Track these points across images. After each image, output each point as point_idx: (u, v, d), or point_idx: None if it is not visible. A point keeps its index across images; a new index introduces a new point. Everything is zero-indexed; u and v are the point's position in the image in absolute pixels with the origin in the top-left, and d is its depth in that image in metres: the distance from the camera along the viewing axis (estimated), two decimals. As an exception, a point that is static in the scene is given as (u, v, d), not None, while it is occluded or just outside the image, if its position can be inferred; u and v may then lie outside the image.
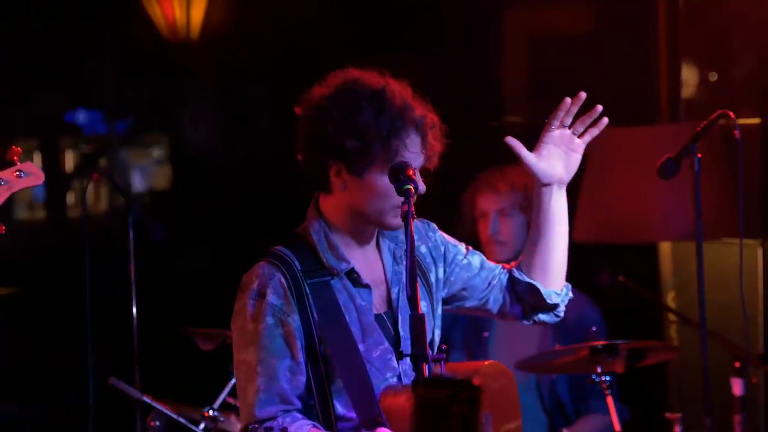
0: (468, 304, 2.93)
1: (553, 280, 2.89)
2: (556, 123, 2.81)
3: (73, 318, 4.36)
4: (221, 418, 4.00)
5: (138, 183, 6.65)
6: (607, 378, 4.00)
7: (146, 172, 6.70)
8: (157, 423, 4.02)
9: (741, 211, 3.86)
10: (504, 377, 2.87)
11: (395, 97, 2.69)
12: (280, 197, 6.12)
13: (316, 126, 2.74)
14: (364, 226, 2.76)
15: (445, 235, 2.94)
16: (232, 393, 4.10)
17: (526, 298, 2.91)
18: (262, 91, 6.35)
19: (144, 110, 6.51)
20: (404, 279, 2.69)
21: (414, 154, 2.67)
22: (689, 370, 5.18)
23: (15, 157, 2.61)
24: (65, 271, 5.49)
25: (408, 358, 2.46)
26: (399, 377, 2.71)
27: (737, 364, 4.31)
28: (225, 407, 4.09)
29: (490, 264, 2.95)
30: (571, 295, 2.96)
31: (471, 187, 4.51)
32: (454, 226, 4.45)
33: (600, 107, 2.77)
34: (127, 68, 6.30)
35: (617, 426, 4.03)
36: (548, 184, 2.84)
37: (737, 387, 4.30)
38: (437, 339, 2.84)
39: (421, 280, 2.81)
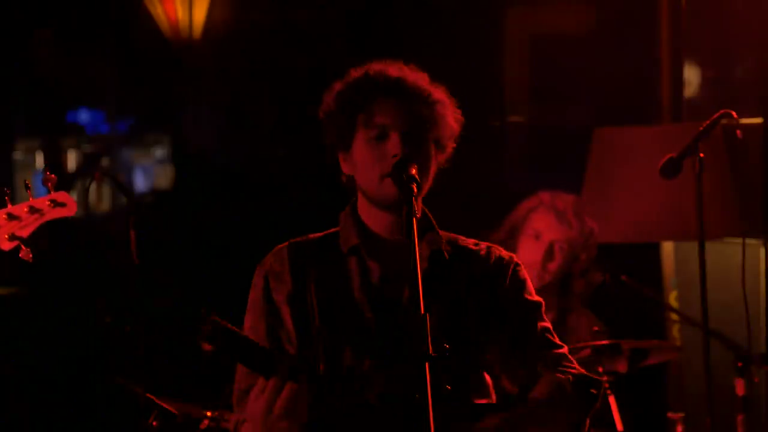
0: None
1: None
2: None
3: (75, 317, 4.37)
4: (224, 417, 3.99)
5: (140, 183, 6.66)
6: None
7: (148, 172, 6.71)
8: (159, 422, 4.02)
9: (743, 211, 3.86)
10: None
11: (363, 68, 2.72)
12: (281, 197, 6.14)
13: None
14: (377, 210, 2.73)
15: (526, 286, 2.80)
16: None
17: None
18: (263, 91, 6.35)
19: (146, 110, 6.52)
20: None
21: (387, 116, 2.66)
22: (691, 369, 5.17)
23: (49, 184, 2.60)
24: (66, 271, 5.49)
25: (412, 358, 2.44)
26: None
27: (740, 364, 4.31)
28: (228, 406, 4.08)
29: (539, 345, 2.77)
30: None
31: (533, 200, 4.28)
32: (456, 226, 4.43)
33: None
34: (129, 68, 6.31)
35: (619, 426, 4.03)
36: None
37: (740, 387, 4.29)
38: None
39: (461, 291, 2.75)
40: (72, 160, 6.66)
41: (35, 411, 5.69)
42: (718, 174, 4.44)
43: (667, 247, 5.52)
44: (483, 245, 2.84)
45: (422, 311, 2.42)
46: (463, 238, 2.86)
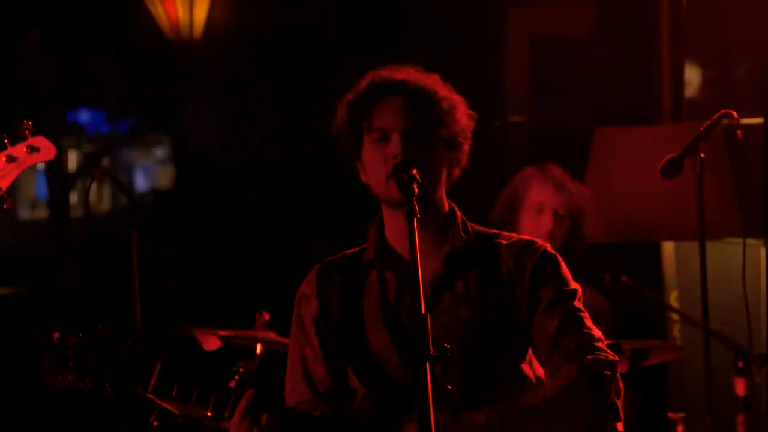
0: None
1: None
2: None
3: (75, 318, 4.36)
4: (225, 417, 3.99)
5: (140, 183, 6.66)
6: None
7: (149, 172, 6.71)
8: (160, 423, 4.01)
9: (744, 211, 3.85)
10: None
11: (370, 75, 2.72)
12: (282, 197, 6.13)
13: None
14: (395, 216, 2.72)
15: (557, 275, 2.73)
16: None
17: None
18: (264, 90, 6.35)
19: (146, 110, 6.52)
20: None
21: (387, 118, 2.66)
22: (692, 369, 5.17)
23: (26, 132, 2.56)
24: (67, 271, 5.48)
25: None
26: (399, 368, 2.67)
27: (740, 364, 4.31)
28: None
29: (566, 336, 2.68)
30: None
31: (524, 175, 4.32)
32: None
33: None
34: (129, 68, 6.31)
35: (620, 425, 4.02)
36: None
37: (740, 387, 4.29)
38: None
39: (485, 288, 2.71)
40: (72, 160, 6.66)
41: (35, 411, 5.69)
42: (719, 174, 4.44)
43: (668, 247, 5.52)
44: (514, 237, 2.79)
45: (423, 311, 2.41)
46: (505, 233, 2.80)
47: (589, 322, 2.72)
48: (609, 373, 2.65)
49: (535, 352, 2.74)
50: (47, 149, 2.58)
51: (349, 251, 2.83)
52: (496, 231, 2.83)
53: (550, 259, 2.74)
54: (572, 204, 4.28)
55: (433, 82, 2.73)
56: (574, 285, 2.75)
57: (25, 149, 2.55)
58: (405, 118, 2.66)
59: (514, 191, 4.33)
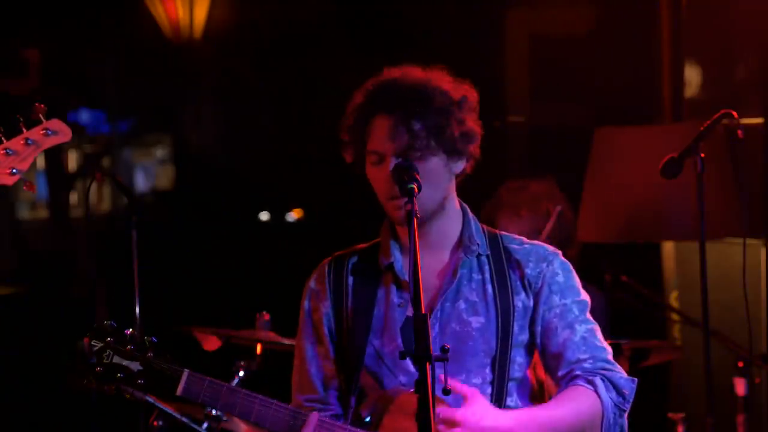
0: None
1: None
2: None
3: (75, 318, 4.36)
4: (224, 418, 4.00)
5: (141, 182, 6.66)
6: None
7: (149, 172, 6.71)
8: (161, 423, 4.02)
9: (744, 211, 3.85)
10: None
11: (369, 83, 2.70)
12: (283, 197, 6.14)
13: None
14: (402, 230, 2.73)
15: (568, 285, 2.74)
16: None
17: None
18: (264, 90, 6.36)
19: (147, 110, 6.52)
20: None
21: (381, 141, 2.64)
22: (692, 369, 5.17)
23: (40, 115, 2.58)
24: (67, 271, 5.48)
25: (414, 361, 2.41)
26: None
27: (740, 364, 4.31)
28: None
29: (576, 350, 2.70)
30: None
31: (492, 203, 4.41)
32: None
33: None
34: (129, 68, 6.31)
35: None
36: None
37: (740, 387, 4.30)
38: (517, 362, 2.72)
39: (496, 295, 2.72)
40: (73, 160, 6.66)
41: (36, 411, 5.69)
42: (719, 174, 4.43)
43: (668, 247, 5.52)
44: (527, 243, 2.79)
45: (423, 311, 2.41)
46: (512, 236, 2.81)
47: (599, 335, 2.75)
48: (627, 392, 2.74)
49: (544, 360, 2.75)
50: (63, 132, 2.60)
51: (360, 246, 2.82)
52: (506, 233, 2.83)
53: (565, 268, 2.76)
54: (538, 210, 4.32)
55: (427, 84, 2.69)
56: (584, 296, 2.77)
57: (42, 132, 2.56)
58: (397, 140, 2.62)
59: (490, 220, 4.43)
